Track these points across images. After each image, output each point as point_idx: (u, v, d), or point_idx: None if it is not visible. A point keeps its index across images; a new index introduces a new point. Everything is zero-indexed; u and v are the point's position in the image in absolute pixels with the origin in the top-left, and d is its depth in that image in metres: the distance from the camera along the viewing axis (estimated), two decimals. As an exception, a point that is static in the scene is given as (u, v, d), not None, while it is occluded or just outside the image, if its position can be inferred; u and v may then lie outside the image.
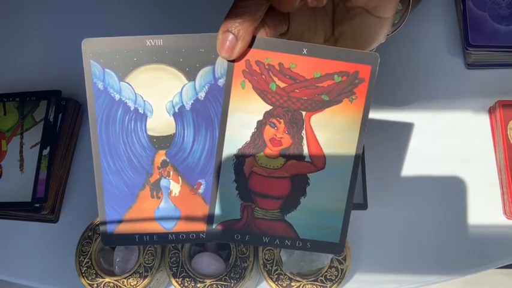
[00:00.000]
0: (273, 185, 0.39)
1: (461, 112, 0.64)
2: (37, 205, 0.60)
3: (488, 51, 0.62)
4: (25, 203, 0.59)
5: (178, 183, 0.39)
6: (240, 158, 0.39)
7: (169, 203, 0.39)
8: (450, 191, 0.60)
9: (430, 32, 0.67)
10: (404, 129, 0.63)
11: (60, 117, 0.63)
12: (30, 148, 0.61)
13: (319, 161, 0.39)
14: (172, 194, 0.39)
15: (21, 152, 0.61)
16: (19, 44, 0.71)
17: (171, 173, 0.39)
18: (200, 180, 0.39)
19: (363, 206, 0.59)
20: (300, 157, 0.39)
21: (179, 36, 0.37)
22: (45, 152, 0.61)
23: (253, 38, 0.37)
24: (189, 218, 0.39)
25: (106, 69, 0.38)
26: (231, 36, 0.35)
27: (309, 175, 0.39)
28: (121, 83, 0.38)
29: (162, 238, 0.40)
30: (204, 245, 0.58)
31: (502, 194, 0.59)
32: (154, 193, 0.39)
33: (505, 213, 0.59)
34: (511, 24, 0.62)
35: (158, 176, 0.39)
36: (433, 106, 0.64)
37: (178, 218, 0.39)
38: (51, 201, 0.61)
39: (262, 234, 0.39)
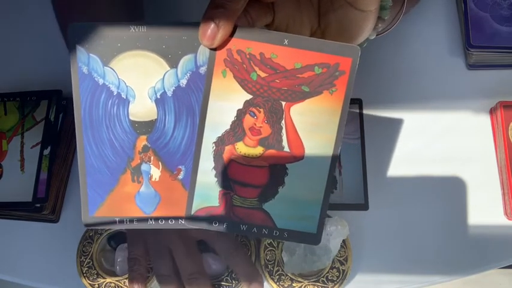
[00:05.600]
0: (251, 174, 0.39)
1: (462, 113, 0.64)
2: (38, 205, 0.59)
3: (490, 52, 0.62)
4: (26, 203, 0.59)
5: (159, 169, 0.40)
6: (219, 146, 0.39)
7: (150, 188, 0.40)
8: (451, 192, 0.60)
9: (431, 33, 0.67)
10: (405, 130, 0.63)
11: (61, 117, 0.63)
12: (31, 148, 0.61)
13: (297, 151, 0.39)
14: (153, 179, 0.40)
15: (21, 151, 0.61)
16: (20, 43, 0.70)
17: (152, 158, 0.40)
18: (180, 166, 0.40)
19: (364, 206, 0.59)
20: (279, 147, 0.39)
21: (162, 23, 0.38)
22: (46, 151, 0.61)
23: (235, 28, 0.37)
24: (169, 203, 0.40)
25: (91, 54, 0.38)
26: (212, 25, 0.36)
27: (287, 165, 0.39)
28: (105, 67, 0.39)
29: (142, 222, 0.40)
30: (205, 245, 0.58)
31: (503, 195, 0.59)
32: (135, 177, 0.40)
33: (505, 213, 0.59)
34: (512, 25, 0.63)
35: (139, 161, 0.40)
36: (434, 106, 0.64)
37: (158, 203, 0.40)
38: (52, 201, 0.61)
39: (239, 222, 0.40)
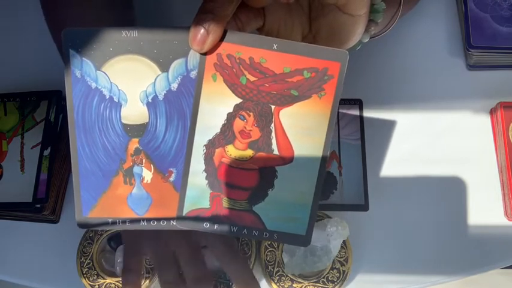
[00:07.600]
0: (241, 176, 0.40)
1: (463, 113, 0.64)
2: (38, 206, 0.59)
3: (490, 52, 0.62)
4: (26, 203, 0.59)
5: (151, 171, 0.40)
6: (210, 149, 0.40)
7: (142, 190, 0.41)
8: (451, 192, 0.60)
9: (432, 33, 0.67)
10: (406, 130, 0.63)
11: (61, 118, 0.63)
12: (31, 148, 0.61)
13: (287, 154, 0.39)
14: (145, 181, 0.41)
15: (21, 152, 0.61)
16: (20, 43, 0.71)
17: (144, 160, 0.40)
18: (171, 169, 0.40)
19: (364, 207, 0.59)
20: (269, 150, 0.40)
21: (154, 28, 0.38)
22: (46, 152, 0.61)
23: (225, 32, 0.38)
24: (160, 205, 0.41)
25: (84, 58, 0.39)
26: (202, 30, 0.36)
27: (277, 168, 0.40)
28: (97, 72, 0.39)
29: (134, 223, 0.41)
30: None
31: (503, 196, 0.59)
32: (127, 179, 0.41)
33: (506, 214, 0.59)
34: (512, 26, 0.63)
35: (131, 163, 0.40)
36: (434, 107, 0.64)
37: (149, 204, 0.41)
38: (52, 201, 0.61)
39: (230, 224, 0.40)
